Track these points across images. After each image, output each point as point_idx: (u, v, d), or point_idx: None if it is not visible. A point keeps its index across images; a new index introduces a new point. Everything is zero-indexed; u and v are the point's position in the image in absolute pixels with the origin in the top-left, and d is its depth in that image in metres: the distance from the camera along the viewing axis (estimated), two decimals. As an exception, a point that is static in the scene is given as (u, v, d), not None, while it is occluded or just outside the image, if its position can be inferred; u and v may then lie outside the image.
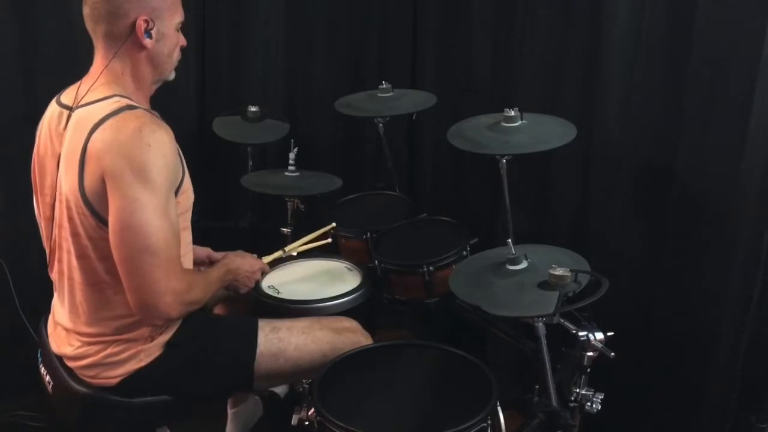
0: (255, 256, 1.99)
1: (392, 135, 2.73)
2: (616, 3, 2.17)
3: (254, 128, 2.75)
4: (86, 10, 1.60)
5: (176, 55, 1.70)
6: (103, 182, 1.50)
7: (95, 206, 1.53)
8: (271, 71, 3.03)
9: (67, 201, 1.57)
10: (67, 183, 1.56)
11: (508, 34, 2.60)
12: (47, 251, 1.73)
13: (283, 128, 2.76)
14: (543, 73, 2.48)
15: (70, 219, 1.57)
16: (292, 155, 2.53)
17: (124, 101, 1.57)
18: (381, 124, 2.62)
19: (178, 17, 1.67)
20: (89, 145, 1.51)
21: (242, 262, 1.89)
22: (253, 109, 2.76)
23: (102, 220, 1.53)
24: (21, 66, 2.55)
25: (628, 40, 2.17)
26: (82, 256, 1.59)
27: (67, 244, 1.61)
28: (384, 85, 2.60)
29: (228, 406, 2.26)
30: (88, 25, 1.62)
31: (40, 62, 2.56)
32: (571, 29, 2.37)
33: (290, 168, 2.53)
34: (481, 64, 2.73)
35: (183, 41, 1.70)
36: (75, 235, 1.58)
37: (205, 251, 1.98)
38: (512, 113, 2.04)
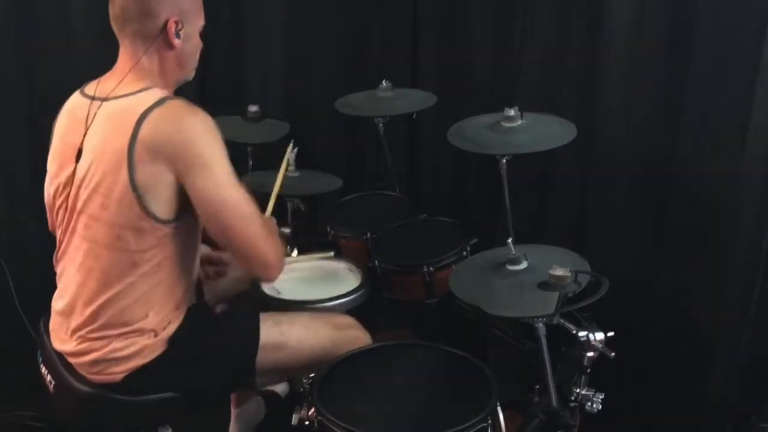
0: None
1: (392, 135, 2.73)
2: (616, 3, 2.17)
3: (254, 128, 2.75)
4: (114, 10, 1.64)
5: (198, 56, 1.76)
6: (165, 171, 1.55)
7: (145, 196, 1.56)
8: (271, 71, 3.03)
9: (104, 191, 1.57)
10: (109, 173, 1.56)
11: (508, 34, 2.60)
12: (58, 241, 1.72)
13: (283, 128, 2.76)
14: (543, 73, 2.49)
15: (105, 208, 1.58)
16: (292, 155, 2.53)
17: (163, 92, 1.62)
18: (381, 124, 2.62)
19: (202, 21, 1.74)
20: (141, 135, 1.54)
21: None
22: (253, 109, 2.75)
23: (148, 211, 1.56)
24: (21, 66, 2.56)
25: (628, 40, 2.17)
26: (114, 246, 1.60)
27: (92, 233, 1.61)
28: (384, 85, 2.60)
29: (231, 406, 2.27)
30: (116, 24, 1.65)
31: (40, 62, 2.56)
32: (571, 29, 2.37)
33: (290, 168, 2.53)
34: (481, 64, 2.74)
35: (201, 44, 1.76)
36: (109, 225, 1.59)
37: (205, 249, 1.98)
38: (512, 113, 2.04)
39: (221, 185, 1.58)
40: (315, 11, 3.00)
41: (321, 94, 3.02)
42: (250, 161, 2.76)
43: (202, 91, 3.01)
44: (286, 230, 2.51)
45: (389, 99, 2.59)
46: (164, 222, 1.59)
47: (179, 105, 1.60)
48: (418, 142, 3.07)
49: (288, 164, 2.35)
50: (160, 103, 1.58)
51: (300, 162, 2.54)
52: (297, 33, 3.01)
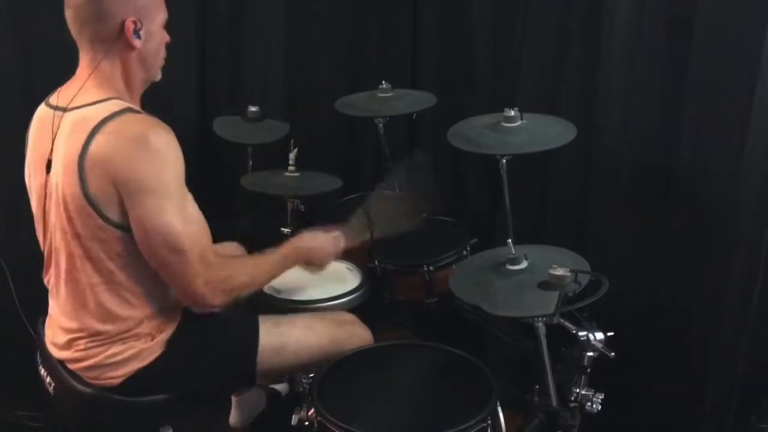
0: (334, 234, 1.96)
1: (392, 135, 2.73)
2: (616, 3, 2.17)
3: (254, 128, 2.74)
4: (69, 14, 1.58)
5: (162, 53, 1.69)
6: (111, 186, 1.50)
7: (101, 207, 1.52)
8: (271, 71, 3.03)
9: (66, 203, 1.55)
10: (66, 185, 1.54)
11: (508, 34, 2.60)
12: (44, 255, 1.71)
13: (283, 128, 2.76)
14: (543, 73, 2.48)
15: (70, 220, 1.56)
16: (292, 155, 2.53)
17: (123, 104, 1.57)
18: (381, 124, 2.62)
19: (163, 15, 1.66)
20: (91, 148, 1.50)
21: (313, 239, 1.90)
22: (253, 109, 2.75)
23: (108, 220, 1.53)
24: (20, 67, 2.55)
25: (628, 40, 2.17)
26: (87, 257, 1.58)
27: (69, 246, 1.59)
28: (384, 85, 2.60)
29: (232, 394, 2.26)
30: (73, 28, 1.60)
31: (39, 63, 2.56)
32: (571, 29, 2.37)
33: (290, 168, 2.53)
34: (481, 64, 2.74)
35: (167, 38, 1.70)
36: (77, 236, 1.57)
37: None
38: (512, 113, 2.04)
39: (158, 210, 1.50)
40: (315, 11, 3.00)
41: (321, 94, 3.02)
42: (250, 161, 2.75)
43: (202, 91, 3.01)
44: (286, 230, 2.51)
45: (389, 99, 2.58)
46: (127, 230, 1.55)
47: (135, 120, 1.54)
48: (418, 142, 3.07)
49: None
50: (115, 115, 1.52)
51: (300, 162, 2.54)
52: (297, 33, 3.01)
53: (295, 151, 2.52)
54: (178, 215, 1.52)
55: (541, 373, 1.71)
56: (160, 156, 1.51)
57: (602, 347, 1.66)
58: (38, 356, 1.78)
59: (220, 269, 1.61)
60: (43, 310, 1.81)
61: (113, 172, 1.49)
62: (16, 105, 2.55)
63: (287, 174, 2.52)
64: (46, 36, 2.56)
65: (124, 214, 1.53)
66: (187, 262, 1.54)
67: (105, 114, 1.52)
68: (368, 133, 3.02)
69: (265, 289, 2.09)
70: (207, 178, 2.81)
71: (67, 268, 1.62)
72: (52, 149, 1.59)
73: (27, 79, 2.56)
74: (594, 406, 1.73)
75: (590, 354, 1.68)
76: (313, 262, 1.93)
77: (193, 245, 1.55)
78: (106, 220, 1.53)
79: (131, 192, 1.50)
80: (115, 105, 1.55)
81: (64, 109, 1.59)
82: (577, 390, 1.73)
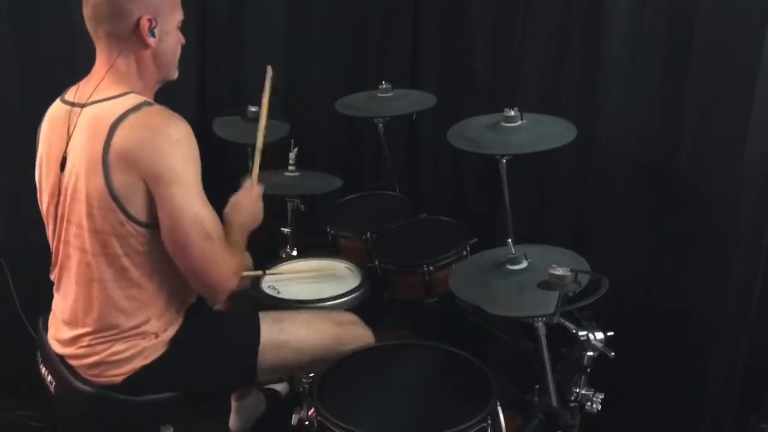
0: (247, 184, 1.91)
1: (392, 135, 2.73)
2: (616, 3, 2.17)
3: (254, 128, 2.74)
4: (87, 11, 1.61)
5: (178, 52, 1.72)
6: (138, 180, 1.53)
7: (124, 202, 1.54)
8: (271, 71, 3.03)
9: (87, 198, 1.56)
10: (89, 180, 1.55)
11: (508, 34, 2.60)
12: (52, 251, 1.72)
13: (283, 128, 2.76)
14: (543, 73, 2.49)
15: (90, 216, 1.57)
16: (292, 155, 2.53)
17: (140, 98, 1.60)
18: (381, 124, 2.63)
19: (179, 15, 1.69)
20: (114, 142, 1.52)
21: (243, 202, 1.84)
22: (253, 109, 2.74)
23: (129, 216, 1.55)
24: (20, 67, 2.55)
25: (628, 40, 2.17)
26: (102, 253, 1.59)
27: (84, 243, 1.60)
28: (384, 85, 2.60)
29: (232, 399, 2.27)
30: (90, 25, 1.62)
31: (39, 63, 2.56)
32: (571, 29, 2.37)
33: (290, 168, 2.53)
34: (481, 64, 2.74)
35: (182, 39, 1.72)
36: (95, 232, 1.58)
37: None
38: (512, 113, 2.04)
39: (188, 199, 1.55)
40: (315, 11, 3.00)
41: (321, 94, 3.02)
42: (250, 161, 2.75)
43: (202, 91, 3.01)
44: (286, 230, 2.51)
45: (389, 99, 2.59)
46: (147, 226, 1.58)
47: (154, 112, 1.57)
48: (418, 142, 3.06)
49: (271, 93, 2.11)
50: (135, 109, 1.55)
51: (300, 162, 2.54)
52: (297, 33, 3.01)
53: (295, 151, 2.52)
54: (203, 202, 1.58)
55: (541, 373, 1.71)
56: (183, 145, 1.55)
57: (602, 347, 1.66)
58: (39, 355, 1.78)
59: (235, 254, 1.68)
60: (43, 310, 1.81)
61: (140, 165, 1.52)
62: (16, 105, 2.55)
63: (287, 174, 2.53)
64: (46, 36, 2.57)
65: (146, 210, 1.56)
66: (215, 249, 1.59)
67: (124, 109, 1.55)
68: (368, 133, 3.02)
69: (266, 289, 2.09)
70: (207, 178, 2.80)
71: (78, 265, 1.63)
72: (67, 146, 1.60)
73: (27, 79, 2.56)
74: (594, 406, 1.73)
75: (590, 354, 1.68)
76: (253, 226, 1.83)
77: (219, 231, 1.61)
78: (128, 215, 1.55)
79: (160, 183, 1.53)
80: (132, 99, 1.58)
81: (82, 105, 1.61)
82: (577, 390, 1.73)
